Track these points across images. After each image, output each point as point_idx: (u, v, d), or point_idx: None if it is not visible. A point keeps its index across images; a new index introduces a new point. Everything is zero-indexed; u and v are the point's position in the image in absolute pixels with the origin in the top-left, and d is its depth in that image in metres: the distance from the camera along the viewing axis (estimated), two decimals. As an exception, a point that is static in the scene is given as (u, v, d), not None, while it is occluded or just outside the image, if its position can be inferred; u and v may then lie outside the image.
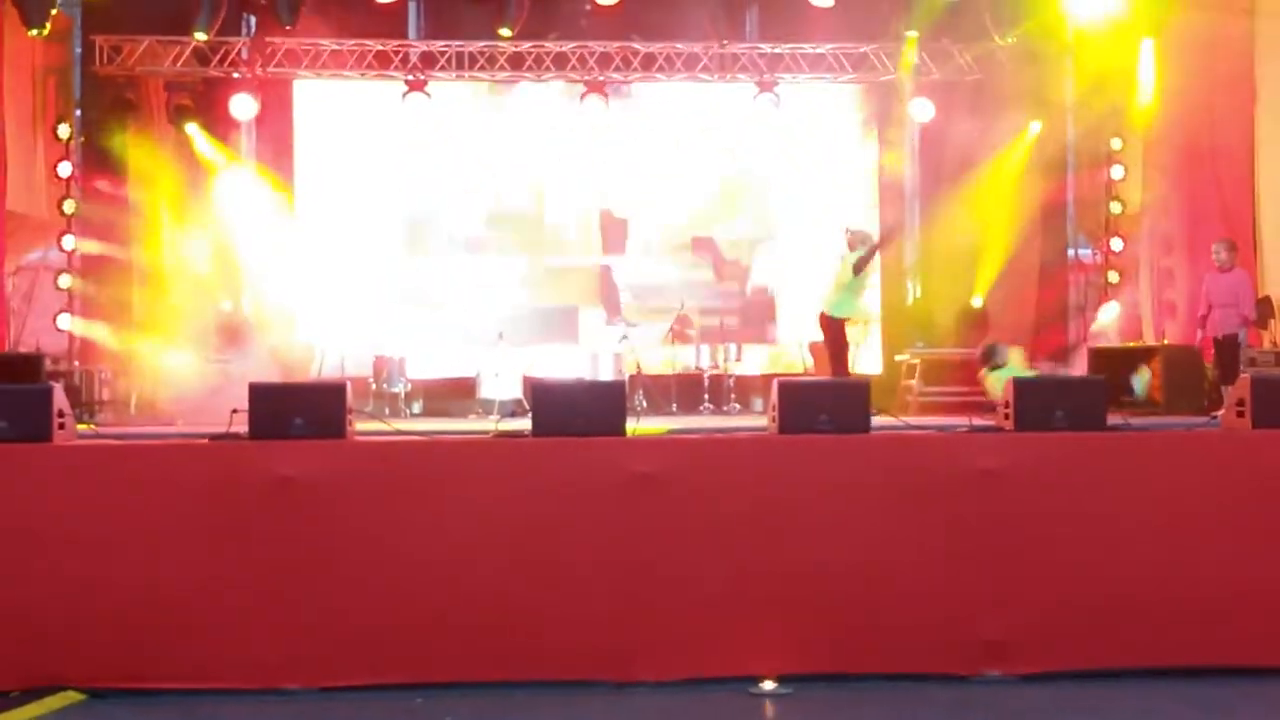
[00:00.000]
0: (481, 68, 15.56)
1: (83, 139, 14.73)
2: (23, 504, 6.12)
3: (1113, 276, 15.51)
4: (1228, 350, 11.70)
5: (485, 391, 14.66)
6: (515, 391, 14.26)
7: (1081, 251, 16.10)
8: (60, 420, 6.36)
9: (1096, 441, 6.52)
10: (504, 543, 6.22)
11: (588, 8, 15.00)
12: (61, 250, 14.42)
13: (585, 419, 6.47)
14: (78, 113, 14.87)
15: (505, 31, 14.69)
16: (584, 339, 16.09)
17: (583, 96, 15.57)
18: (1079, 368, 13.64)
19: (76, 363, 14.10)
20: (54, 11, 13.60)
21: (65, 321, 14.31)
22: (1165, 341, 13.21)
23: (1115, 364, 12.66)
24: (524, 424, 6.72)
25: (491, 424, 8.27)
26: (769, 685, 6.11)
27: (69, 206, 14.42)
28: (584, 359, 14.88)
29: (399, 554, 6.19)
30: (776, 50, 15.61)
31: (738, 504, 6.31)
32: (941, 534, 6.33)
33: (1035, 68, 15.35)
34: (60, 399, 6.44)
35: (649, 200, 16.46)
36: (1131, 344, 13.59)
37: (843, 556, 6.29)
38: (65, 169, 14.41)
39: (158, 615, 6.07)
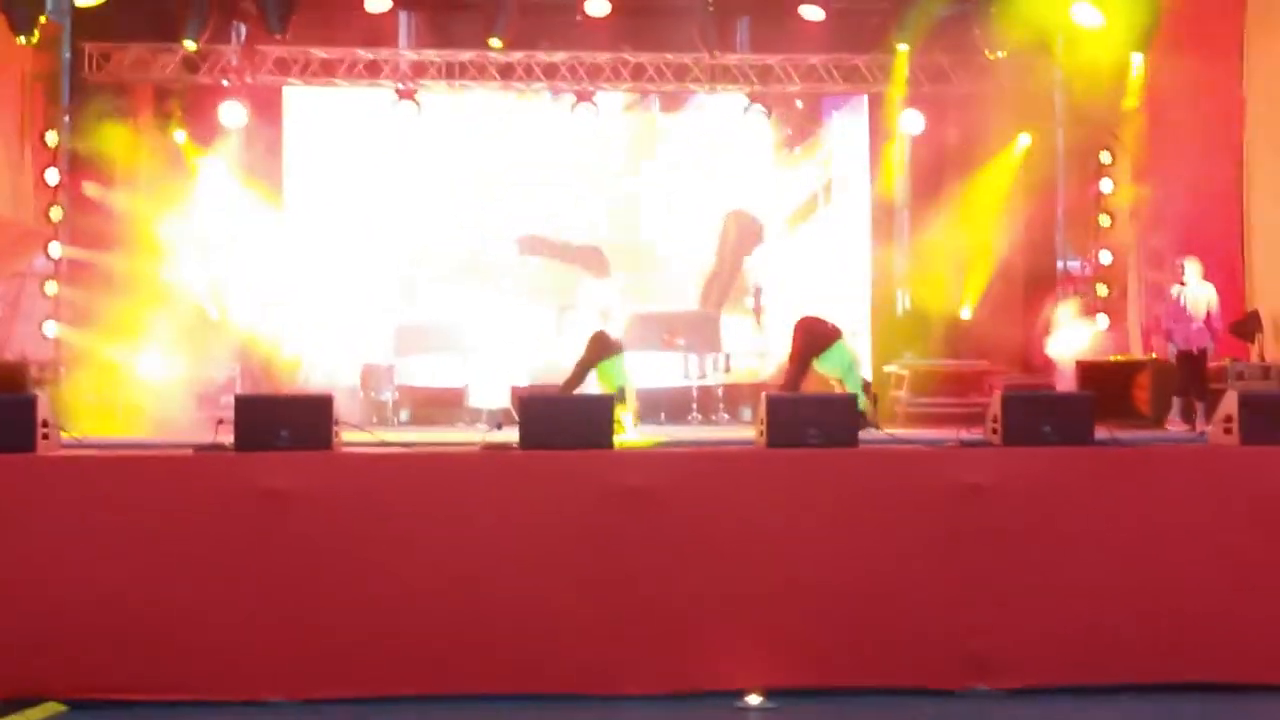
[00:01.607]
0: (472, 77, 15.56)
1: (71, 146, 14.69)
2: (4, 515, 6.08)
3: (1101, 289, 15.54)
4: (1200, 364, 11.81)
5: (473, 400, 14.65)
6: (504, 401, 14.23)
7: (1070, 264, 16.12)
8: (44, 430, 6.32)
9: (1084, 456, 6.51)
10: (490, 556, 6.19)
11: (578, 19, 15.00)
12: (48, 257, 14.37)
13: (573, 432, 6.45)
14: (66, 119, 14.84)
15: (495, 42, 14.68)
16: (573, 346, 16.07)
17: (573, 106, 15.58)
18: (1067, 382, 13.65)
19: (61, 370, 14.03)
20: (43, 19, 13.60)
21: (51, 329, 14.26)
22: (1154, 355, 13.21)
23: (1105, 378, 12.66)
24: (511, 436, 6.69)
25: (479, 434, 8.26)
26: (755, 699, 6.08)
27: (56, 214, 14.40)
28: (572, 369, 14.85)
29: (383, 566, 6.16)
30: (767, 61, 15.62)
31: (725, 518, 6.29)
32: (929, 548, 6.31)
33: (1025, 81, 15.40)
34: (44, 408, 6.40)
35: (639, 207, 16.48)
36: (1120, 357, 13.60)
37: (830, 570, 6.28)
38: (53, 176, 14.38)
39: (140, 626, 6.03)
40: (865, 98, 16.45)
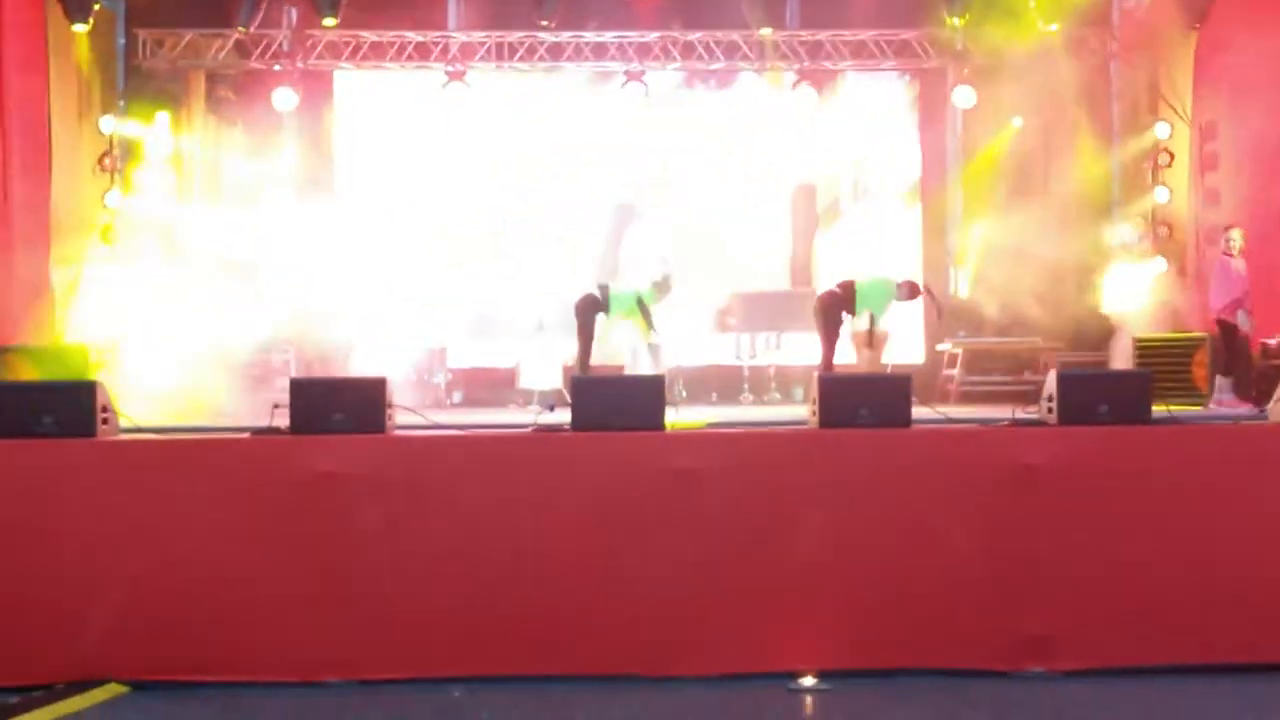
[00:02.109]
0: (521, 58, 15.57)
1: (125, 132, 14.83)
2: (67, 499, 6.17)
3: (1159, 264, 15.31)
4: (1232, 336, 11.70)
5: (525, 381, 14.69)
6: (555, 382, 14.26)
7: (1127, 239, 15.90)
8: (104, 415, 6.41)
9: (1141, 435, 6.44)
10: (542, 537, 6.22)
11: (627, -3, 14.99)
12: (105, 243, 14.53)
13: (625, 413, 6.46)
14: (120, 105, 14.99)
15: (545, 23, 14.70)
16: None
17: (624, 85, 15.54)
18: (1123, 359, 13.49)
19: (120, 355, 14.19)
20: (97, 6, 13.73)
21: (108, 314, 14.42)
22: (1210, 333, 13.01)
23: (1162, 355, 12.51)
24: (563, 418, 6.71)
25: (531, 415, 8.29)
26: (809, 681, 6.08)
27: (112, 199, 14.54)
28: (624, 350, 14.86)
29: (438, 548, 6.20)
30: (817, 37, 15.52)
31: (778, 499, 6.28)
32: (984, 529, 6.28)
33: (1080, 54, 15.20)
34: (104, 394, 6.49)
35: (686, 188, 16.42)
36: (1179, 334, 13.42)
37: (884, 551, 6.26)
38: (109, 162, 14.52)
39: (200, 608, 6.12)
40: (919, 73, 16.29)
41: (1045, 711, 5.80)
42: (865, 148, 16.61)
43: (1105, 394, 6.53)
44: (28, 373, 10.88)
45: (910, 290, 12.10)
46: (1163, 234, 15.32)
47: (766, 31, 15.02)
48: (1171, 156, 15.18)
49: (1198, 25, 14.01)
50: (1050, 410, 6.57)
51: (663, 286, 12.66)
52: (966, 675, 6.12)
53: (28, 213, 13.11)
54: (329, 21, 14.31)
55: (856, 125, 16.55)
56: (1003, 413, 7.31)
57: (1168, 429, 6.58)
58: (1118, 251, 15.59)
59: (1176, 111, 14.97)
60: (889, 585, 6.22)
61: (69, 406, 6.36)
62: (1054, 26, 14.59)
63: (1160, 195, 15.34)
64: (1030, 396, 7.60)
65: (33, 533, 6.14)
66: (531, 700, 5.92)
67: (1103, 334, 14.97)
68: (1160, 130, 15.22)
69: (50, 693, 5.94)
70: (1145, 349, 12.96)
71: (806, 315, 14.02)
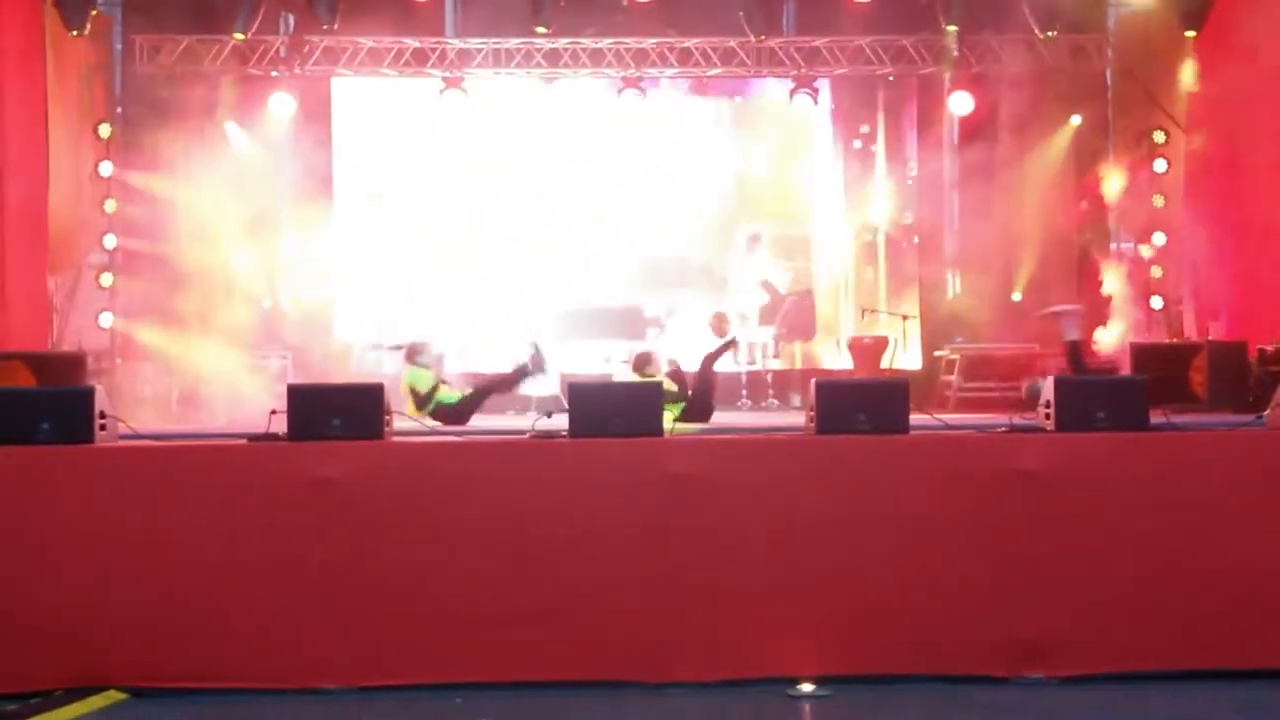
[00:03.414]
0: (518, 64, 15.58)
1: (123, 138, 14.84)
2: (66, 505, 6.17)
3: (1155, 271, 15.35)
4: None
5: (523, 387, 14.66)
6: (552, 388, 14.24)
7: (1123, 246, 15.93)
8: (102, 422, 6.41)
9: (1138, 441, 6.44)
10: (541, 544, 6.22)
11: (624, 3, 14.98)
12: (103, 249, 14.54)
13: (622, 419, 6.46)
14: (119, 111, 14.99)
15: (542, 29, 14.72)
16: (623, 337, 16.09)
17: (620, 91, 15.56)
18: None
19: (118, 361, 14.22)
20: (94, 12, 13.76)
21: (107, 320, 14.43)
22: (1210, 338, 13.04)
23: (1160, 361, 12.51)
24: (561, 424, 6.71)
25: (529, 422, 8.31)
26: (807, 687, 6.08)
27: (110, 205, 14.55)
28: (621, 356, 14.86)
29: (436, 554, 6.21)
30: (814, 44, 15.54)
31: (775, 504, 6.28)
32: (981, 535, 6.28)
33: (1076, 61, 15.23)
34: (102, 400, 6.49)
35: (687, 197, 16.43)
36: (1176, 340, 13.44)
37: (881, 557, 6.26)
38: (106, 168, 14.53)
39: (199, 615, 6.12)
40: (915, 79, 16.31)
41: (1042, 717, 5.81)
42: (861, 154, 16.64)
43: (1103, 400, 6.53)
44: (25, 380, 10.86)
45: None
46: (1160, 240, 15.33)
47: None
48: (1168, 162, 15.21)
49: (1194, 31, 14.03)
50: (1048, 417, 6.57)
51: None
52: (964, 681, 6.13)
53: (25, 219, 13.12)
54: (325, 24, 14.30)
55: (849, 132, 16.58)
56: (1000, 419, 7.32)
57: (1165, 435, 6.59)
58: (1114, 258, 15.63)
59: (1172, 118, 15.00)
60: (887, 591, 6.22)
61: (67, 413, 6.37)
62: (1051, 33, 14.62)
63: (1156, 201, 15.37)
64: (1028, 403, 7.61)
65: (31, 539, 6.14)
66: (530, 707, 5.93)
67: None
68: (1157, 136, 15.24)
69: (49, 700, 5.94)
70: (1142, 354, 12.96)
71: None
